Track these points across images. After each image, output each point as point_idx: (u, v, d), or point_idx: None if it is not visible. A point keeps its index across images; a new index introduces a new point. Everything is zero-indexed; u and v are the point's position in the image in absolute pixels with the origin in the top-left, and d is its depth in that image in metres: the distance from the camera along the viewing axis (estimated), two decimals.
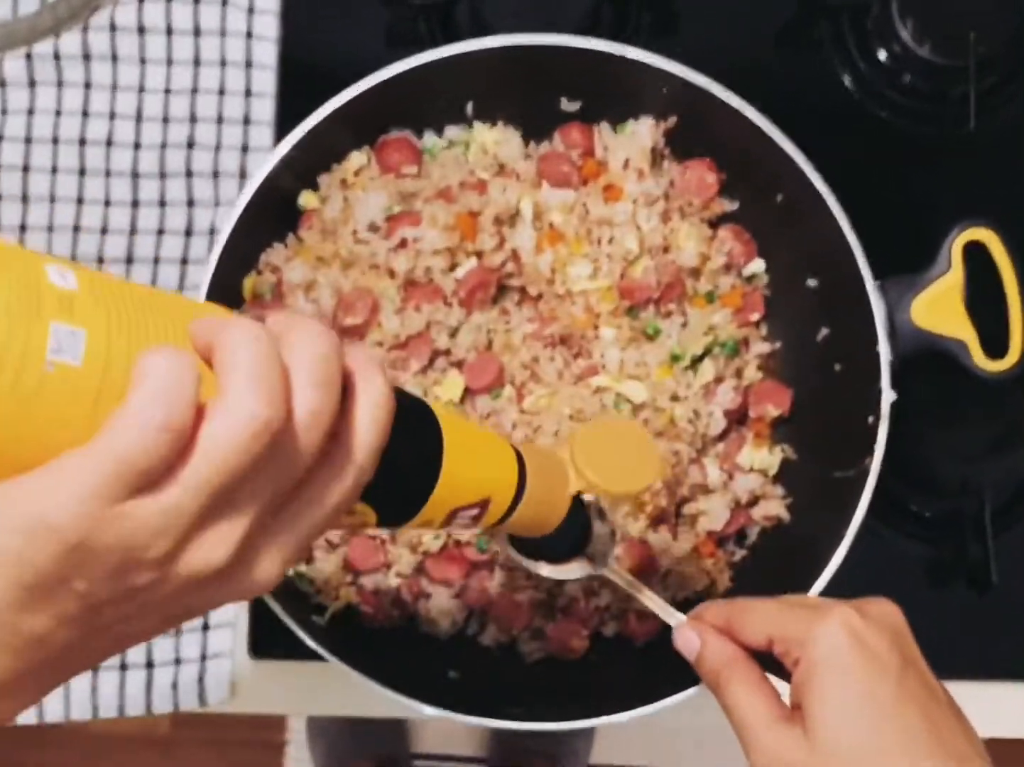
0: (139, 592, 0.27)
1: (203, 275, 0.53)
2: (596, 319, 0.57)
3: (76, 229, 0.64)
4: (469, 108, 0.60)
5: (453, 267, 0.57)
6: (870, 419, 0.53)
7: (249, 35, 0.66)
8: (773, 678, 0.41)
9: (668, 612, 0.45)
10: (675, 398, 0.57)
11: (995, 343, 0.54)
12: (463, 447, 0.35)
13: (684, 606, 0.58)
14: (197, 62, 0.66)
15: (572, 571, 0.46)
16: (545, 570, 0.45)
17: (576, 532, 0.44)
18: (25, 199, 0.64)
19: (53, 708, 0.61)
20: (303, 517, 0.29)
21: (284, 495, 0.29)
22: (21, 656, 0.27)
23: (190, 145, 0.65)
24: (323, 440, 0.28)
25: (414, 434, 0.33)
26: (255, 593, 0.30)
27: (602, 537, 0.46)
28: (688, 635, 0.43)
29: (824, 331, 0.58)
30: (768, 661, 0.41)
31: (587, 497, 0.44)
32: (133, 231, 0.64)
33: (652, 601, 0.46)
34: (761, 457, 0.59)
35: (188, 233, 0.64)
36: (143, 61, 0.65)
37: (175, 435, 0.25)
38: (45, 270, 0.25)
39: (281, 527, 0.29)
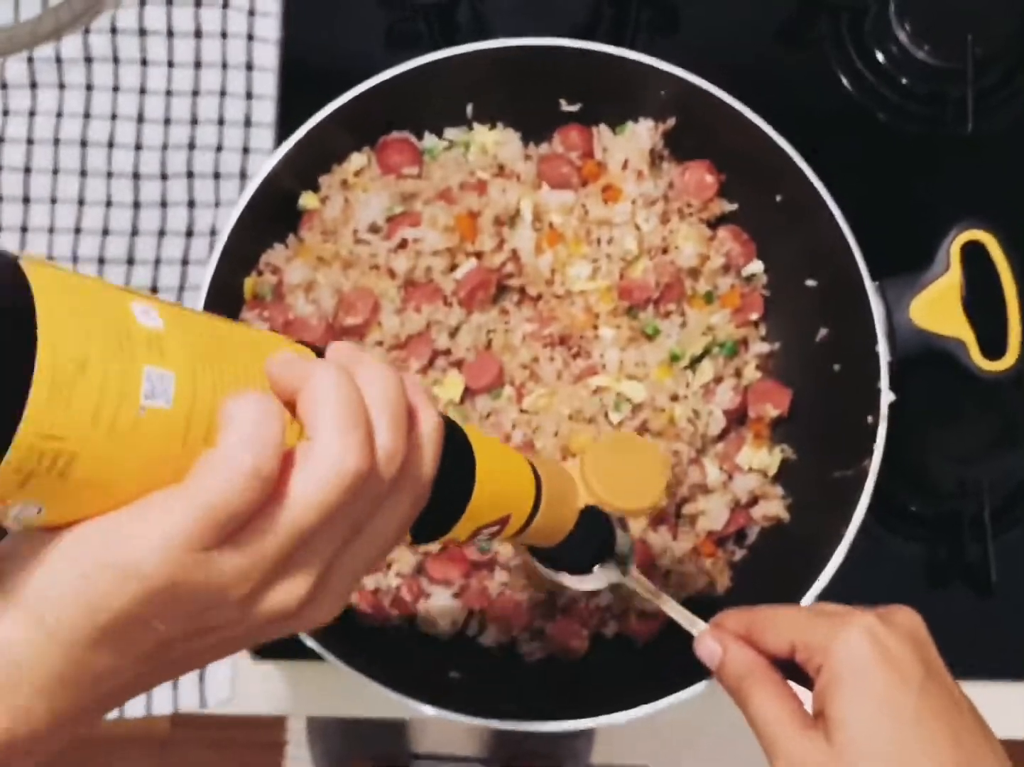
0: (214, 630, 0.27)
1: (203, 276, 0.54)
2: (595, 319, 0.58)
3: (77, 231, 0.64)
4: (469, 109, 0.60)
5: (453, 267, 0.57)
6: (869, 419, 0.54)
7: (250, 37, 0.66)
8: (795, 686, 0.41)
9: (689, 620, 0.45)
10: (674, 398, 0.57)
11: (993, 343, 0.54)
12: (491, 467, 0.36)
13: (686, 606, 0.59)
14: (198, 64, 0.66)
15: (594, 580, 0.46)
16: (568, 580, 0.46)
17: (598, 542, 0.45)
18: (26, 200, 0.64)
19: None
20: (368, 549, 0.30)
21: (356, 531, 0.29)
22: (87, 691, 0.27)
23: (191, 146, 0.65)
24: (396, 478, 0.29)
25: (452, 458, 0.33)
26: (319, 624, 0.30)
27: (624, 547, 0.46)
28: (710, 644, 0.43)
29: (823, 331, 0.58)
30: (789, 669, 0.41)
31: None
32: (134, 232, 0.64)
33: (673, 609, 0.46)
34: (760, 457, 0.59)
35: (189, 234, 0.64)
36: (144, 63, 0.66)
37: (264, 482, 0.25)
38: (132, 310, 0.25)
39: (348, 560, 0.29)
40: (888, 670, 0.38)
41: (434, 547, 0.57)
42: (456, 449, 0.34)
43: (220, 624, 0.27)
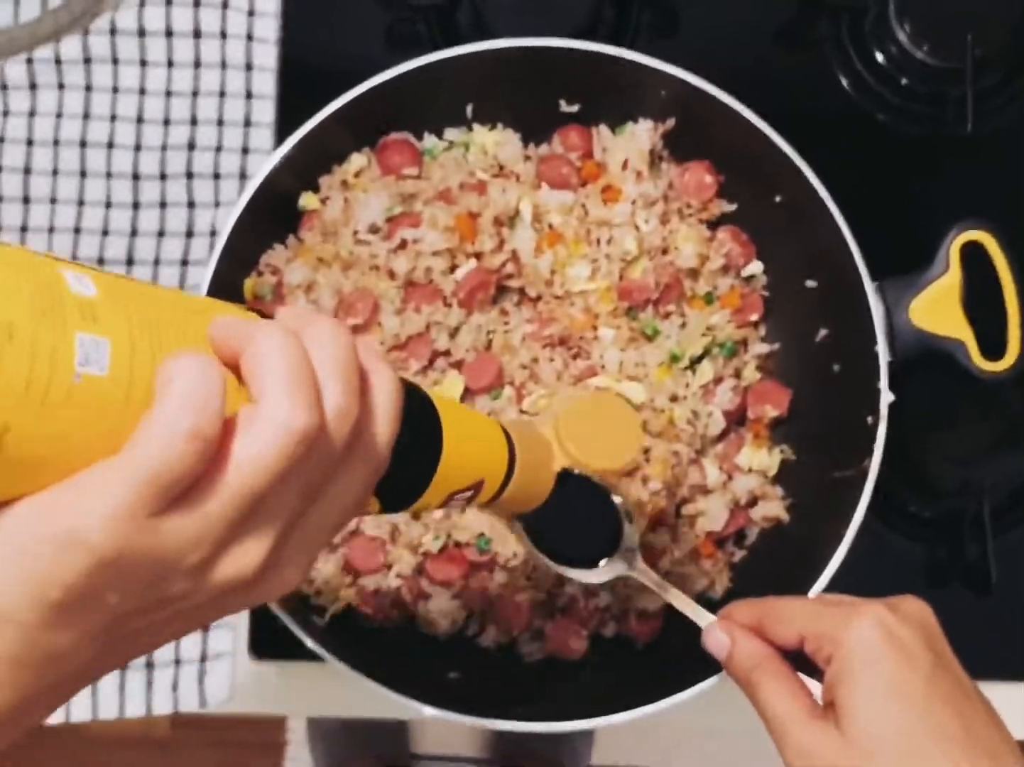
0: (170, 602, 0.27)
1: (203, 276, 0.54)
2: (595, 320, 0.58)
3: (77, 231, 0.64)
4: (469, 110, 0.60)
5: (453, 268, 0.58)
6: (869, 419, 0.54)
7: (249, 37, 0.66)
8: (804, 678, 0.41)
9: (697, 612, 0.46)
10: (674, 399, 0.57)
11: (993, 343, 0.54)
12: (460, 431, 0.35)
13: None
14: (197, 64, 0.66)
15: (602, 573, 0.47)
16: (575, 574, 0.46)
17: (605, 535, 0.45)
18: (26, 201, 0.64)
19: None
20: (326, 515, 0.29)
21: (311, 496, 0.28)
22: (41, 673, 0.26)
23: (191, 147, 0.65)
24: (349, 439, 0.28)
25: (416, 422, 0.33)
26: (282, 594, 0.29)
27: (629, 539, 0.46)
28: (718, 635, 0.43)
29: (823, 332, 0.58)
30: (798, 660, 0.41)
31: (616, 499, 0.45)
32: (134, 233, 0.64)
33: (681, 601, 0.47)
34: (760, 458, 0.59)
35: (189, 234, 0.64)
36: (143, 63, 0.66)
37: (204, 442, 0.24)
38: (64, 276, 0.24)
39: (306, 527, 0.29)
40: (898, 658, 0.38)
41: (435, 545, 0.57)
42: (420, 414, 0.34)
43: (175, 595, 0.26)
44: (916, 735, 0.37)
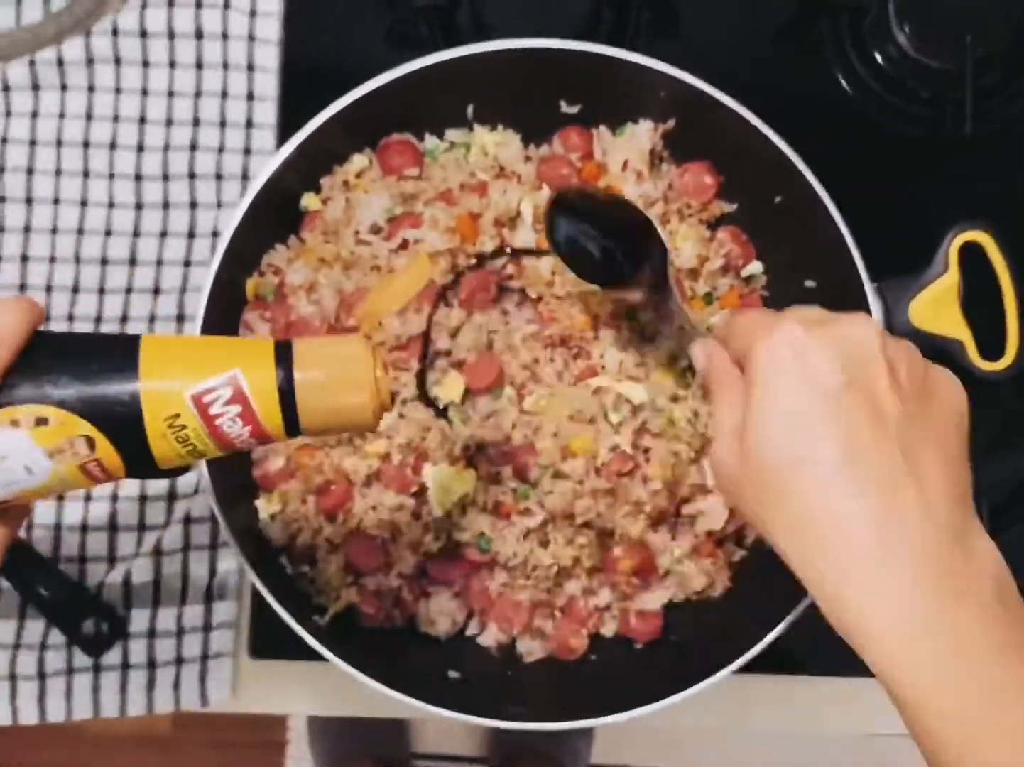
0: None
1: (206, 277, 0.54)
2: (595, 320, 0.58)
3: (80, 231, 0.64)
4: (470, 111, 0.60)
5: (454, 268, 0.58)
6: None
7: (251, 38, 0.66)
8: None
9: (697, 331, 0.48)
10: (674, 398, 0.57)
11: (991, 344, 0.54)
12: (163, 356, 0.36)
13: (684, 606, 0.59)
14: (200, 65, 0.66)
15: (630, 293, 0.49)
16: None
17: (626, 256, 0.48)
18: (29, 201, 0.65)
19: (54, 708, 0.61)
20: None
21: None
22: None
23: (193, 148, 0.65)
24: None
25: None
26: None
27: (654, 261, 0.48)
28: (697, 351, 0.45)
29: None
30: None
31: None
32: (136, 233, 0.65)
33: (687, 317, 0.49)
34: None
35: (191, 235, 0.65)
36: (146, 64, 0.66)
37: None
38: None
39: None
40: (796, 377, 0.37)
41: (435, 545, 0.57)
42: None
43: None
44: (796, 453, 0.36)
